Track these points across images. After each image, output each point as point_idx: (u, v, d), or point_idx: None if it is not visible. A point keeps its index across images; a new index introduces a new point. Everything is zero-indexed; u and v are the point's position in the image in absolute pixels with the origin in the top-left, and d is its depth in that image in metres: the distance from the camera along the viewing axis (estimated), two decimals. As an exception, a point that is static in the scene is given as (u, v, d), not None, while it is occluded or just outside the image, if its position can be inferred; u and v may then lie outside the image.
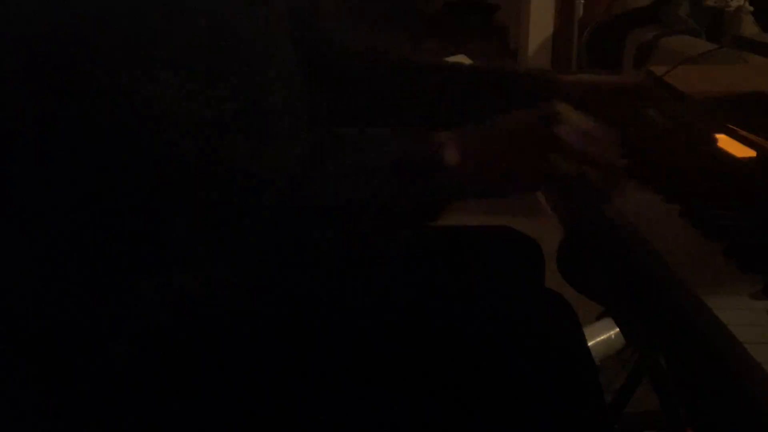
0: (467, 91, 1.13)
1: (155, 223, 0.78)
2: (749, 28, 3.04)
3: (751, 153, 1.03)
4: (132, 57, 0.76)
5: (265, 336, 0.85)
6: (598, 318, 2.10)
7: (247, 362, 0.85)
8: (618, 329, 1.99)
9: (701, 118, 1.15)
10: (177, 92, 0.76)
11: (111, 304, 0.82)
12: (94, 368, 0.82)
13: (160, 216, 0.77)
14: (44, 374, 0.84)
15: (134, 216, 0.78)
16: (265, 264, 0.79)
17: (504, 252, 1.16)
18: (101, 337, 0.82)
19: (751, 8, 3.09)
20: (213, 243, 0.77)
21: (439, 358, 0.86)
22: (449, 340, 0.86)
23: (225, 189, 0.76)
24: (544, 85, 1.14)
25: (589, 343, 2.07)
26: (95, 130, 0.77)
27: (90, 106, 0.76)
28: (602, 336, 2.09)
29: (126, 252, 0.80)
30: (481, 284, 0.99)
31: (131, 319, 0.82)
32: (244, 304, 0.85)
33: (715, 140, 1.06)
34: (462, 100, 1.13)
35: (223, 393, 0.84)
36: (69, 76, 0.76)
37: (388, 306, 0.88)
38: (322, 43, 1.10)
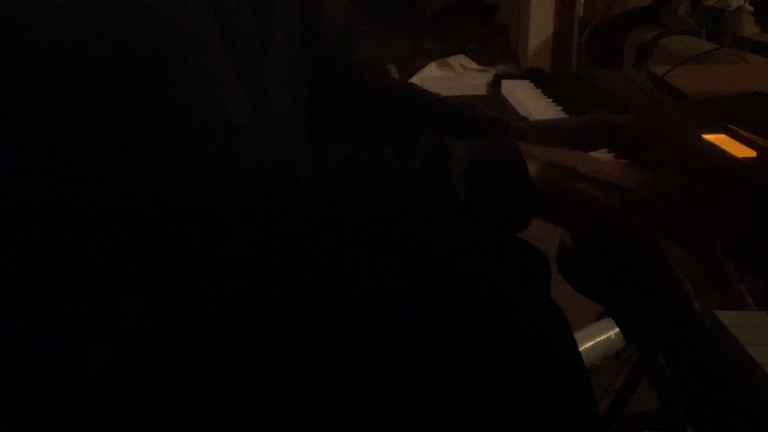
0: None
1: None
2: (749, 28, 3.05)
3: (751, 153, 1.02)
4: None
5: (261, 337, 0.85)
6: (598, 318, 2.10)
7: (241, 363, 0.85)
8: (618, 329, 1.99)
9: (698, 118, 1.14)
10: None
11: (94, 307, 0.82)
12: (75, 373, 0.82)
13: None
14: (26, 378, 0.83)
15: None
16: (266, 261, 0.78)
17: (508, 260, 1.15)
18: (83, 341, 0.82)
19: (751, 8, 3.11)
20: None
21: (434, 357, 0.86)
22: (443, 339, 0.86)
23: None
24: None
25: (589, 343, 2.09)
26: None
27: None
28: (602, 336, 2.09)
29: (111, 253, 0.79)
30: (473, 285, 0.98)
31: (114, 322, 0.82)
32: (236, 299, 0.84)
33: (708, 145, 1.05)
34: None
35: (209, 397, 0.84)
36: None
37: (383, 305, 0.88)
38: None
